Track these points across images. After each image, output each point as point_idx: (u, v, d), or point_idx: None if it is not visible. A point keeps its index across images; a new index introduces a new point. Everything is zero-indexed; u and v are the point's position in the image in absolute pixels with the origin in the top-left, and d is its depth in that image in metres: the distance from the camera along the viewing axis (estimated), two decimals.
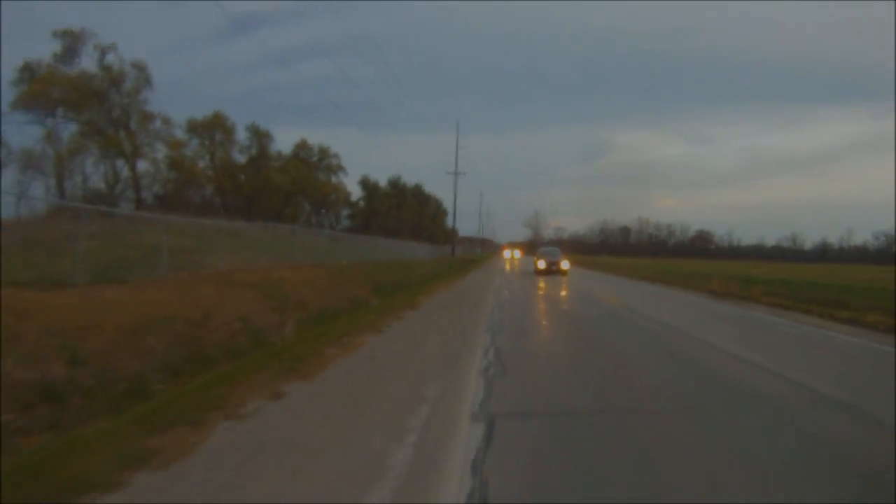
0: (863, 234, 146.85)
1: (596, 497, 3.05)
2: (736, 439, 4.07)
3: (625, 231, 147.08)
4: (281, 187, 29.05)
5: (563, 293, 17.99)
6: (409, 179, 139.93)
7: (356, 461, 3.51)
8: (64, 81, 20.35)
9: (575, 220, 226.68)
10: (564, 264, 29.14)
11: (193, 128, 27.69)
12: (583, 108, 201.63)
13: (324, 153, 39.26)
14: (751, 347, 8.18)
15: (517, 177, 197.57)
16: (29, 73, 22.25)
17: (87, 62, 23.34)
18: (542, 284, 21.93)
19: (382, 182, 48.93)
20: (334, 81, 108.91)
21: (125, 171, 24.76)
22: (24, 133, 26.08)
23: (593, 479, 3.28)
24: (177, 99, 70.31)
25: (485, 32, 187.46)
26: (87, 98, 20.95)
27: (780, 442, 4.03)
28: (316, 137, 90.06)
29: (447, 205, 64.81)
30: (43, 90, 20.91)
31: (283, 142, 50.24)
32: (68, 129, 22.09)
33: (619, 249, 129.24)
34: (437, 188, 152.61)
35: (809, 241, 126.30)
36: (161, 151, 25.47)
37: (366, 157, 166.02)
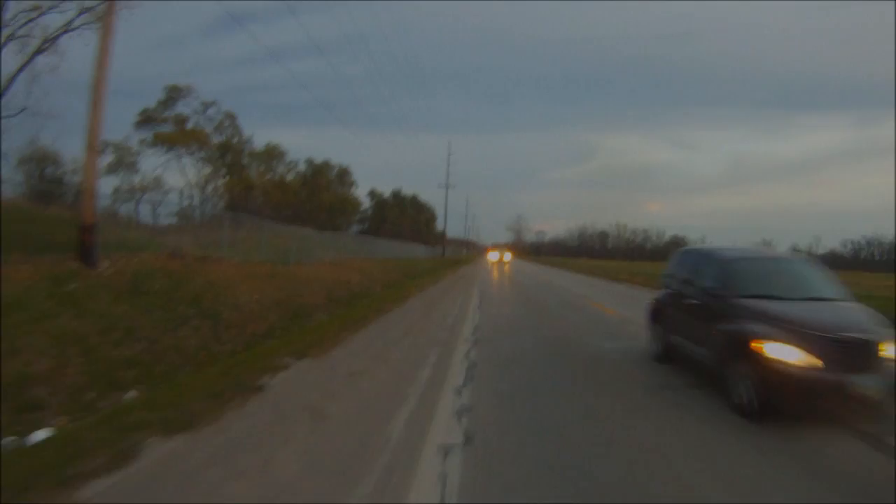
0: (832, 242, 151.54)
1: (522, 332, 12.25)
2: (555, 309, 13.30)
3: (603, 236, 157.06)
4: (325, 201, 38.23)
5: (522, 279, 27.27)
6: (395, 178, 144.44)
7: (432, 334, 12.63)
8: (191, 134, 28.97)
9: (557, 224, 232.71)
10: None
11: (253, 155, 36.47)
12: (569, 111, 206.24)
13: (342, 170, 48.33)
14: (597, 294, 17.46)
15: (502, 178, 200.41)
16: (146, 117, 31.00)
17: (182, 108, 32.07)
18: (509, 274, 31.24)
19: (376, 188, 58.30)
20: (319, 80, 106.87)
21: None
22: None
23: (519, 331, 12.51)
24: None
25: (472, 34, 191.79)
26: (204, 141, 29.76)
27: (574, 313, 13.27)
28: (300, 137, 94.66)
29: (431, 203, 73.81)
30: (169, 136, 29.59)
31: (260, 140, 55.02)
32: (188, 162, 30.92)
33: (597, 253, 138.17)
34: (422, 187, 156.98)
35: (782, 247, 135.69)
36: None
37: (352, 156, 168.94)
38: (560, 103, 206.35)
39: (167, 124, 32.11)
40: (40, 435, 4.47)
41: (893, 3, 71.22)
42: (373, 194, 56.34)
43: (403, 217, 60.41)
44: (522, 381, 5.92)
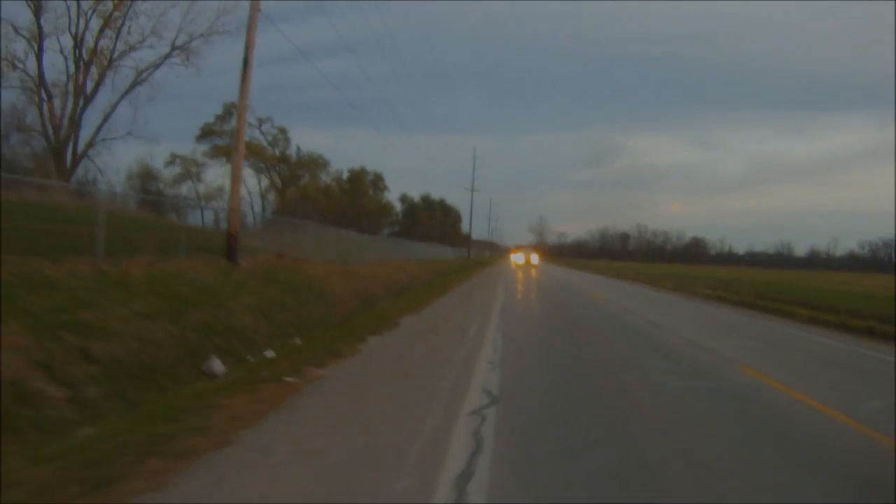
0: (851, 243, 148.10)
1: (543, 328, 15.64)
2: (591, 319, 16.64)
3: (624, 237, 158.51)
4: (365, 206, 42.23)
5: (545, 278, 30.54)
6: (418, 177, 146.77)
7: (472, 311, 16.09)
8: (248, 147, 33.36)
9: (578, 226, 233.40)
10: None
11: (302, 165, 40.50)
12: (592, 112, 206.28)
13: (377, 177, 52.19)
14: (619, 296, 20.68)
15: (524, 179, 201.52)
16: (206, 131, 35.23)
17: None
18: (531, 273, 34.49)
19: (405, 191, 62.16)
20: (342, 80, 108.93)
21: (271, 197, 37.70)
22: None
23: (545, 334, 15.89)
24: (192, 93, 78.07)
25: (494, 34, 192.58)
26: (261, 154, 34.03)
27: (606, 321, 16.58)
28: (325, 136, 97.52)
29: (455, 203, 77.24)
30: (226, 149, 33.82)
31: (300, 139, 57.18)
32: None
33: (617, 255, 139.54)
34: (445, 186, 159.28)
35: (802, 248, 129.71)
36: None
37: (376, 155, 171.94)
38: (582, 103, 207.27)
39: (224, 137, 36.29)
40: (270, 353, 8.09)
41: None
42: (404, 199, 60.25)
43: (432, 220, 64.07)
44: (533, 333, 9.37)
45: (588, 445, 3.94)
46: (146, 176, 26.40)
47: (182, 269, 10.10)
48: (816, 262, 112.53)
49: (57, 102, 22.05)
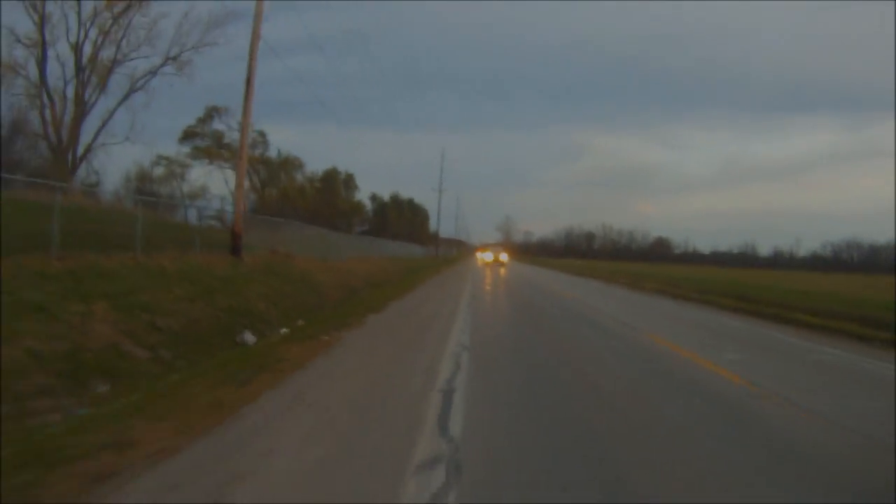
0: (814, 244, 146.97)
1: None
2: (540, 306, 18.93)
3: (589, 236, 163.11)
4: (339, 206, 43.81)
5: (507, 274, 32.93)
6: (385, 174, 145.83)
7: (446, 297, 18.25)
8: (229, 150, 34.56)
9: (544, 225, 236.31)
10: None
11: (279, 165, 41.85)
12: (560, 111, 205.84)
13: (348, 177, 53.79)
14: (570, 288, 23.09)
15: (491, 178, 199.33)
16: (188, 133, 36.30)
17: (217, 125, 37.41)
18: (500, 272, 36.81)
19: (375, 190, 64.04)
20: (309, 76, 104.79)
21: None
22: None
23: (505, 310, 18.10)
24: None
25: (461, 33, 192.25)
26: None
27: (562, 310, 18.90)
28: (289, 132, 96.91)
29: (421, 200, 79.14)
30: (207, 150, 34.95)
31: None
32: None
33: (583, 253, 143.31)
34: (412, 183, 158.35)
35: (766, 249, 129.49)
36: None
37: (343, 152, 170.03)
38: (551, 103, 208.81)
39: (206, 139, 37.44)
40: (284, 331, 10.02)
41: (893, 2, 74.24)
42: (374, 198, 61.97)
43: (402, 219, 65.95)
44: (493, 307, 11.55)
45: (529, 368, 6.12)
46: (143, 178, 27.60)
47: (201, 263, 11.89)
48: (779, 262, 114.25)
49: (58, 108, 23.13)
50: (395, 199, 66.51)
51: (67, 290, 7.60)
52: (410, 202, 72.43)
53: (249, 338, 8.85)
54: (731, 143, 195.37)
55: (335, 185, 47.05)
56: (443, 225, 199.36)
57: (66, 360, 6.14)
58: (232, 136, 36.20)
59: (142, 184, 28.05)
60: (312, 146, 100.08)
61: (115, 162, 48.63)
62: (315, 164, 66.19)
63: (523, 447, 3.73)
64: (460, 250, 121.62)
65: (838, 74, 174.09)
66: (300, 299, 12.97)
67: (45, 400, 5.40)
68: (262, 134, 36.66)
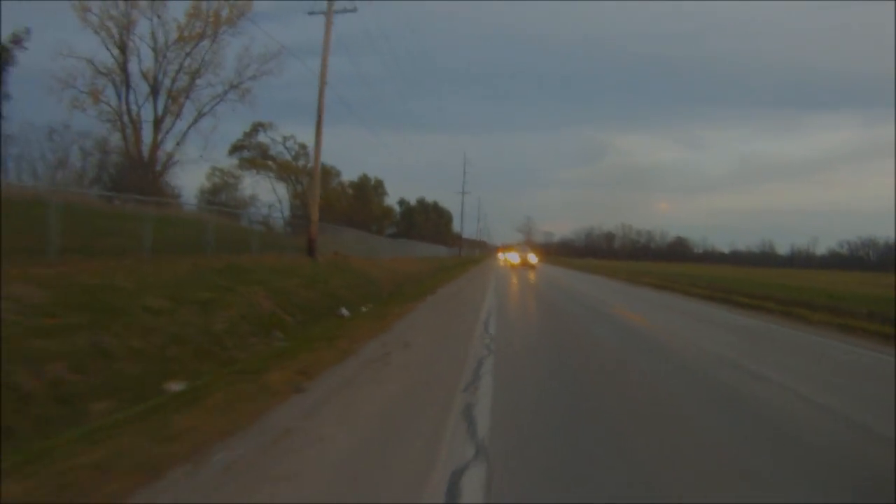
0: (831, 242, 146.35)
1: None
2: (569, 305, 22.51)
3: (609, 237, 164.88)
4: (373, 210, 48.05)
5: (531, 274, 36.45)
6: (406, 174, 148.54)
7: (477, 287, 21.97)
8: (274, 161, 39.11)
9: (564, 225, 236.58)
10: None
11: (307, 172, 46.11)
12: (579, 111, 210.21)
13: (378, 183, 57.89)
14: (597, 289, 26.56)
15: (511, 178, 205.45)
16: (236, 146, 40.71)
17: (262, 138, 41.80)
18: (529, 276, 40.36)
19: (403, 195, 68.31)
20: (332, 77, 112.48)
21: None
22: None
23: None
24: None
25: (481, 33, 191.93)
26: (289, 167, 39.94)
27: (588, 312, 22.49)
28: (307, 132, 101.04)
29: (442, 200, 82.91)
30: (253, 161, 39.37)
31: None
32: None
33: (603, 253, 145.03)
34: (433, 184, 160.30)
35: (784, 247, 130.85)
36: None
37: (365, 153, 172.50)
38: (570, 103, 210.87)
39: (252, 151, 41.82)
40: (364, 309, 13.85)
41: None
42: (402, 202, 66.12)
43: (427, 221, 69.89)
44: (515, 293, 15.23)
45: (539, 329, 9.81)
46: (214, 191, 32.09)
47: (291, 262, 15.82)
48: (798, 260, 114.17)
49: (128, 130, 27.54)
50: (422, 203, 70.55)
51: (234, 279, 11.52)
52: (435, 205, 76.35)
53: (345, 312, 12.68)
54: (750, 141, 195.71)
55: (367, 190, 51.20)
56: (465, 226, 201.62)
57: (254, 320, 10.02)
58: (276, 149, 40.44)
59: (213, 196, 32.46)
60: (331, 145, 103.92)
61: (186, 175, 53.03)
62: (337, 164, 70.38)
63: (527, 336, 7.47)
64: (482, 251, 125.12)
65: (857, 71, 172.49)
66: (365, 289, 16.82)
67: (255, 339, 9.27)
68: (302, 146, 40.90)
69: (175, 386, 5.93)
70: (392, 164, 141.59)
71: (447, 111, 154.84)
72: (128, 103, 27.63)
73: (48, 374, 5.25)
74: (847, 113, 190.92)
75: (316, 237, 18.03)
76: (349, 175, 52.00)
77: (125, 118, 27.12)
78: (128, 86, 26.67)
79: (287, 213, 42.86)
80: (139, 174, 25.04)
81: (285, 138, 40.21)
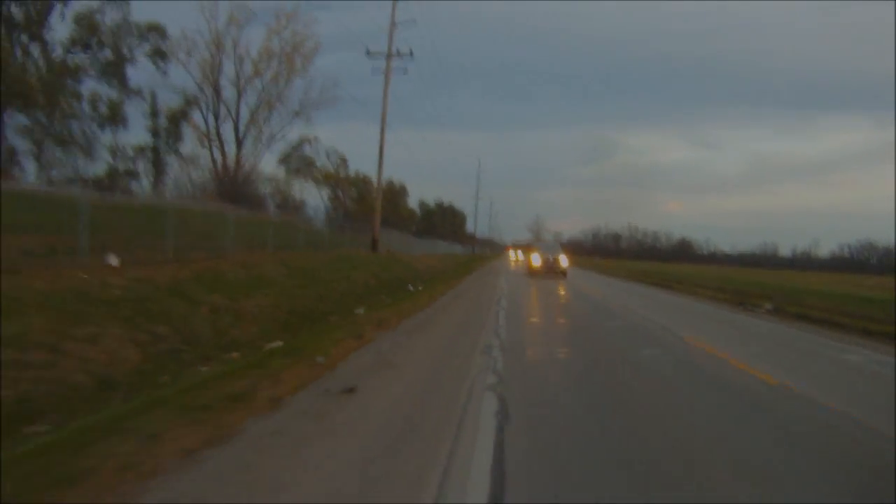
0: (832, 245, 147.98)
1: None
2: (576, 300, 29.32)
3: (616, 237, 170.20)
4: (401, 212, 55.31)
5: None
6: (415, 170, 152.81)
7: (494, 274, 28.83)
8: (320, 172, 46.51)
9: (572, 224, 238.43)
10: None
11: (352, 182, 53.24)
12: (590, 110, 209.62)
13: (402, 187, 64.98)
14: (592, 283, 33.30)
15: (521, 176, 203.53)
16: (283, 157, 48.19)
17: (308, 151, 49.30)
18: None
19: (422, 198, 75.62)
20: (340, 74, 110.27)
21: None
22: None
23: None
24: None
25: (490, 31, 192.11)
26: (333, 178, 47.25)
27: (591, 306, 29.28)
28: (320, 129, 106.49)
29: (453, 197, 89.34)
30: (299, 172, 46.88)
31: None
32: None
33: (610, 253, 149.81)
34: (443, 181, 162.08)
35: (786, 249, 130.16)
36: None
37: (372, 149, 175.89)
38: (581, 101, 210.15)
39: (297, 161, 49.02)
40: (414, 287, 20.80)
41: None
42: (422, 205, 73.35)
43: (444, 221, 76.91)
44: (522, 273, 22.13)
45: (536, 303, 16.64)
46: (286, 199, 39.69)
47: (364, 256, 22.76)
48: (797, 263, 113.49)
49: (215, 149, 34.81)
50: (440, 205, 77.64)
51: (345, 265, 18.44)
52: (451, 206, 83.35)
53: (413, 287, 19.56)
54: (758, 142, 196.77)
55: (395, 195, 58.26)
56: (478, 224, 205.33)
57: (374, 286, 16.94)
58: (319, 161, 47.70)
59: (286, 202, 39.81)
60: (343, 142, 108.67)
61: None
62: (352, 159, 76.61)
63: (525, 293, 14.33)
64: (493, 249, 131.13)
65: (869, 71, 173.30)
66: (415, 274, 23.70)
67: (383, 296, 16.19)
68: (342, 159, 48.07)
69: (360, 310, 12.81)
70: (404, 160, 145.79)
71: (457, 109, 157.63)
72: (218, 130, 34.92)
73: (335, 294, 12.24)
74: (862, 114, 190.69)
75: (378, 237, 24.98)
76: (363, 167, 58.52)
77: (214, 141, 34.36)
78: (217, 117, 33.91)
79: (322, 214, 50.17)
80: (229, 186, 32.15)
81: (328, 152, 47.33)
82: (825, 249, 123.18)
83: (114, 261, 9.18)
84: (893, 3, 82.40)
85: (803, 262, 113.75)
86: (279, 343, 8.36)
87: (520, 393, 5.11)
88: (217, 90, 33.78)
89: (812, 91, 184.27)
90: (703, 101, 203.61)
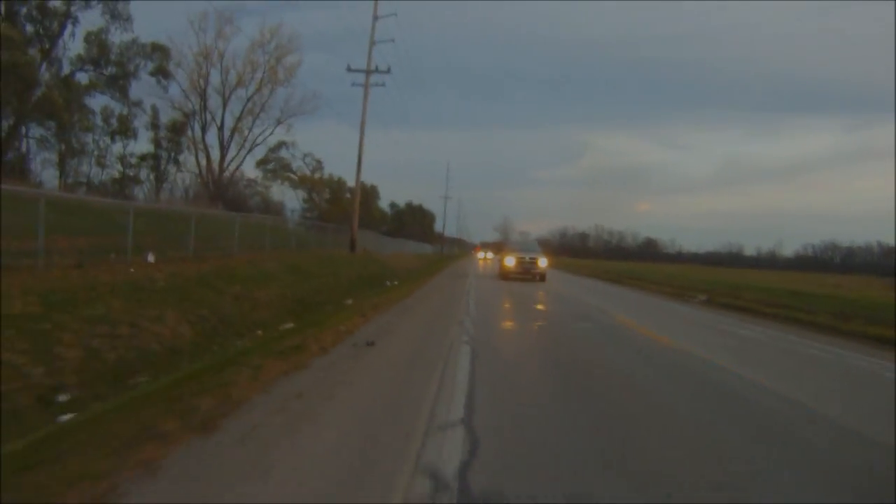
0: (796, 245, 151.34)
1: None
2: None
3: (583, 236, 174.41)
4: (373, 213, 57.16)
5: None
6: (381, 169, 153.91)
7: (464, 272, 31.20)
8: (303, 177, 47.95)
9: (541, 224, 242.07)
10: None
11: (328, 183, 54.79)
12: (561, 110, 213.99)
13: (373, 188, 66.83)
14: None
15: (489, 176, 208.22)
16: (261, 161, 49.46)
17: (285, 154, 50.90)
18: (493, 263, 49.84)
19: (393, 200, 77.57)
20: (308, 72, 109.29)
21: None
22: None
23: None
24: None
25: (462, 31, 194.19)
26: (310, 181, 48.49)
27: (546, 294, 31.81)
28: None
29: (424, 201, 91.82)
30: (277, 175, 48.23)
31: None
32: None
33: (577, 252, 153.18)
34: (413, 180, 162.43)
35: (751, 249, 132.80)
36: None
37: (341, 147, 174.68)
38: (551, 102, 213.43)
39: (272, 164, 50.42)
40: (397, 283, 22.97)
41: (893, 3, 78.61)
42: (392, 205, 75.46)
43: (414, 221, 79.09)
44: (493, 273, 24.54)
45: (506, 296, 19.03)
46: (266, 201, 41.11)
47: (342, 255, 24.77)
48: (764, 262, 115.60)
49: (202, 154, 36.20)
50: (409, 206, 79.89)
51: (330, 263, 20.46)
52: (420, 207, 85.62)
53: (390, 283, 21.67)
54: (728, 144, 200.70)
55: (366, 195, 60.21)
56: (445, 225, 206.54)
57: (357, 282, 19.02)
58: (296, 164, 49.25)
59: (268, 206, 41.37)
60: (318, 142, 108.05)
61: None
62: (323, 159, 78.64)
63: (490, 287, 16.69)
64: (462, 248, 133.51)
65: (838, 75, 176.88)
66: (391, 272, 25.82)
67: (367, 289, 18.30)
68: (318, 161, 49.80)
69: (349, 301, 14.89)
70: (375, 161, 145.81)
71: (427, 109, 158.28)
72: (204, 139, 36.30)
73: (324, 290, 14.36)
74: (829, 117, 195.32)
75: (356, 237, 27.00)
76: (336, 168, 60.63)
77: (200, 146, 35.78)
78: (204, 124, 35.34)
79: (297, 216, 51.66)
80: (214, 189, 33.63)
81: (304, 155, 48.97)
82: (789, 250, 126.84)
83: (152, 258, 11.07)
84: (864, 9, 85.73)
85: (768, 262, 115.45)
86: (291, 324, 10.45)
87: (483, 346, 7.43)
88: (204, 99, 35.19)
89: (782, 94, 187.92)
90: (673, 104, 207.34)
